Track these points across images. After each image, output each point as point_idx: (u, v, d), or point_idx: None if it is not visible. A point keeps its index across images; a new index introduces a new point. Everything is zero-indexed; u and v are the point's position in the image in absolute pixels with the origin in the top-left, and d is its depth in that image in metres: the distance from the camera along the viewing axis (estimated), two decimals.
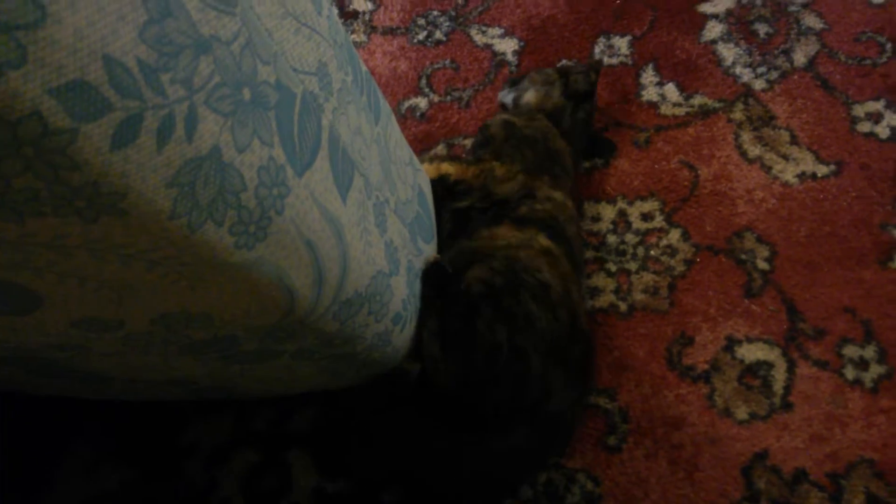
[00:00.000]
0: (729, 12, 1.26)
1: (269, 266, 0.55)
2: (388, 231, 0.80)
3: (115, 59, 0.38)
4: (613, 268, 1.06)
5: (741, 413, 0.92)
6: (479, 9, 1.41)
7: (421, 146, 1.25)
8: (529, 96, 1.13)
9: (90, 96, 0.37)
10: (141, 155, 0.41)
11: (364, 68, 0.80)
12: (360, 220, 0.70)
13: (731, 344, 0.97)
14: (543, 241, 0.93)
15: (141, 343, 0.65)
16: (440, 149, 1.24)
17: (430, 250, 0.98)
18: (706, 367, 0.96)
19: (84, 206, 0.42)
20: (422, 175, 1.02)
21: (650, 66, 1.23)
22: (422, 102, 1.31)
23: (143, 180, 0.42)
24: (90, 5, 0.36)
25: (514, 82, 1.20)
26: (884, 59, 1.16)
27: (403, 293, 0.83)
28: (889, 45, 1.17)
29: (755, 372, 0.94)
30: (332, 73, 0.66)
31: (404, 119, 1.29)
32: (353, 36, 1.43)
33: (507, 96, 1.19)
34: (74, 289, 0.51)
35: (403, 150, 0.93)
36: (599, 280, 1.05)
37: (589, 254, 1.08)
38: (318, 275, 0.62)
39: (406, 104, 1.31)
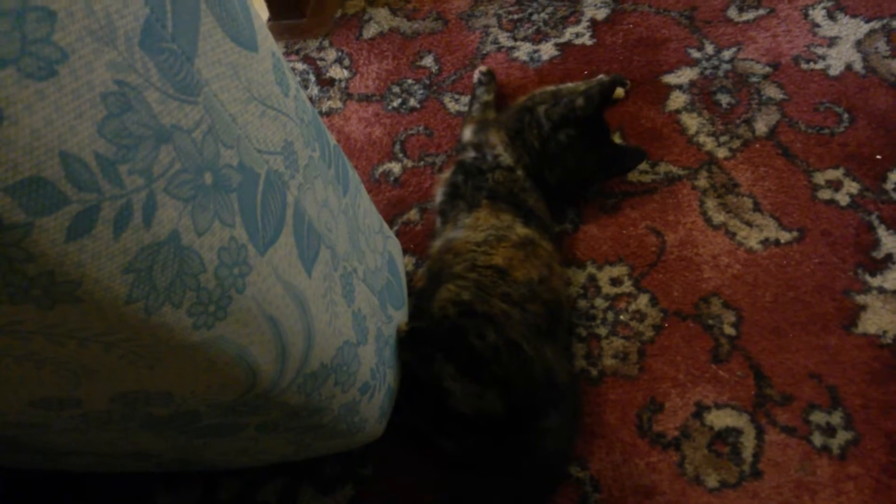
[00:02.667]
0: (692, 83, 1.30)
1: (229, 344, 0.56)
2: (356, 300, 0.80)
3: (71, 154, 0.39)
4: (584, 332, 1.07)
5: (711, 481, 0.92)
6: (453, 77, 1.45)
7: (394, 211, 1.27)
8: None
9: (46, 191, 0.38)
10: (97, 244, 0.42)
11: (333, 142, 0.82)
12: (326, 291, 0.71)
13: (700, 410, 0.97)
14: (520, 229, 1.04)
15: (100, 420, 0.64)
16: (412, 213, 1.26)
17: (400, 316, 0.99)
18: (676, 433, 0.96)
19: (40, 295, 0.42)
20: (392, 242, 1.03)
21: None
22: (395, 167, 1.33)
23: (99, 268, 0.43)
24: (48, 106, 0.37)
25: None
26: (841, 129, 1.20)
27: (372, 362, 0.83)
28: (846, 115, 1.21)
29: (724, 439, 0.95)
30: (299, 151, 0.67)
31: (378, 184, 1.31)
32: (329, 102, 1.46)
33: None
34: (31, 371, 0.51)
35: (373, 219, 0.94)
36: (574, 367, 1.05)
37: None
38: (281, 349, 0.62)
39: (380, 169, 1.33)
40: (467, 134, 1.23)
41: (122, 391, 0.58)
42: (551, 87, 1.29)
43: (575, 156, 1.15)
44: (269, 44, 0.64)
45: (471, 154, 1.17)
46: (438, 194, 1.17)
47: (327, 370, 0.71)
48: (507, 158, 1.14)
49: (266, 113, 0.61)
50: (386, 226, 1.02)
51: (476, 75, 1.38)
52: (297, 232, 0.65)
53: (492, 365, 0.91)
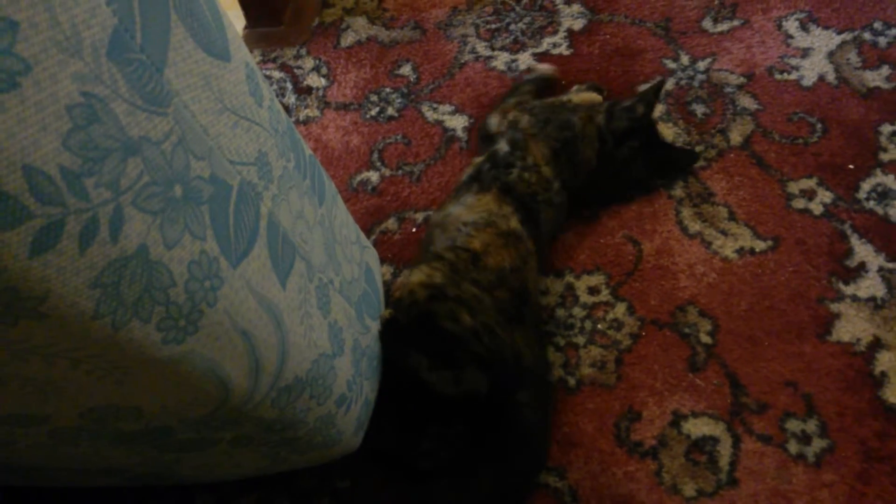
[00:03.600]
0: (668, 93, 1.31)
1: (200, 358, 0.55)
2: (333, 312, 0.80)
3: (35, 168, 0.38)
4: (562, 342, 1.07)
5: (689, 490, 0.92)
6: (431, 86, 1.45)
7: (372, 220, 1.26)
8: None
9: (8, 206, 0.37)
10: (62, 259, 0.41)
11: (308, 152, 0.81)
12: (301, 303, 0.70)
13: (677, 419, 0.97)
14: (514, 223, 1.06)
15: (69, 436, 0.63)
16: (390, 222, 1.25)
17: (377, 327, 0.98)
18: (654, 442, 0.96)
19: (2, 311, 0.41)
20: (369, 252, 1.03)
21: None
22: (373, 176, 1.33)
23: (65, 283, 0.42)
24: (10, 118, 0.36)
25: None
26: (815, 139, 1.22)
27: (348, 374, 0.83)
28: (819, 125, 1.23)
29: (701, 447, 0.95)
30: (273, 161, 0.67)
31: (356, 193, 1.31)
32: (307, 111, 1.45)
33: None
34: None
35: (350, 229, 0.94)
36: (548, 354, 1.05)
37: None
38: (254, 363, 0.61)
39: (358, 178, 1.33)
40: (494, 122, 1.23)
41: (91, 406, 0.57)
42: (559, 99, 1.26)
43: (640, 165, 1.17)
44: (242, 54, 0.63)
45: (505, 148, 1.15)
46: (464, 175, 1.18)
47: (302, 383, 0.70)
48: (547, 171, 1.13)
49: (239, 123, 0.60)
50: (363, 236, 1.02)
51: (541, 68, 1.38)
52: (272, 244, 0.64)
53: (469, 345, 0.94)
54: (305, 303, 0.71)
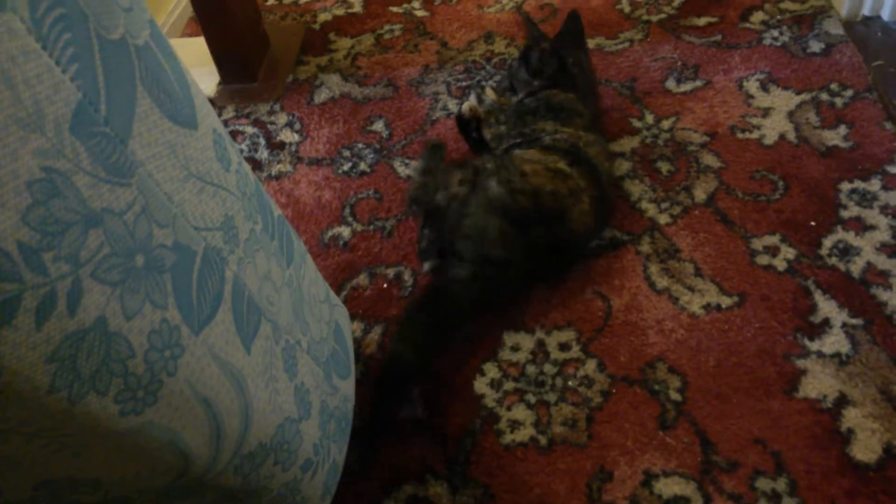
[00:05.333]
0: (633, 151, 1.34)
1: (159, 429, 0.54)
2: (300, 374, 0.79)
3: None
4: (533, 399, 1.06)
5: None
6: (403, 142, 1.47)
7: (343, 275, 1.26)
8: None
9: None
10: (17, 334, 0.40)
11: (277, 212, 0.81)
12: (266, 367, 0.70)
13: (648, 478, 0.97)
14: (561, 165, 1.16)
15: None
16: (362, 278, 1.25)
17: (347, 386, 0.97)
18: (626, 503, 0.95)
19: None
20: (339, 310, 1.02)
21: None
22: (345, 231, 1.33)
23: (20, 359, 0.41)
24: None
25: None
26: (777, 196, 1.25)
27: (315, 437, 0.81)
28: (781, 183, 1.26)
29: None
30: (239, 225, 0.67)
31: (327, 248, 1.31)
32: (279, 166, 1.46)
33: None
34: None
35: (319, 288, 0.94)
36: (519, 413, 1.05)
37: (508, 385, 1.08)
38: (215, 431, 0.60)
39: (329, 233, 1.33)
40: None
41: (46, 479, 0.55)
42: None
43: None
44: (210, 120, 0.64)
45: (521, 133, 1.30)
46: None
47: (266, 449, 0.69)
48: (568, 130, 1.28)
49: (205, 189, 0.60)
50: (332, 294, 1.01)
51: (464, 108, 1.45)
52: (236, 308, 0.64)
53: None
54: (271, 366, 0.70)
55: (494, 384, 1.08)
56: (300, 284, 0.84)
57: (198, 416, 0.57)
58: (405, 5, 1.82)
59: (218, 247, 0.61)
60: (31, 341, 0.41)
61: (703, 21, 1.61)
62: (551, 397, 1.06)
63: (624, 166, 1.33)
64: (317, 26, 1.81)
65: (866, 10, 1.53)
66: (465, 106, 1.35)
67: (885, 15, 1.52)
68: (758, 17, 1.60)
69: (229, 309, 0.62)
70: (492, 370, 1.10)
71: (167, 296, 0.52)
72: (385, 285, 1.24)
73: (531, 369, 1.10)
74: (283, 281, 0.77)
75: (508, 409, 1.06)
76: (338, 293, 1.23)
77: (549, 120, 1.26)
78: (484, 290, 1.12)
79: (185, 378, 0.55)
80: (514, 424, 1.04)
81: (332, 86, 1.62)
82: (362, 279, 1.25)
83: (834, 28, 1.53)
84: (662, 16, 1.65)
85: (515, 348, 1.12)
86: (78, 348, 0.44)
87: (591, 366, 1.09)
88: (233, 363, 0.62)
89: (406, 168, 1.41)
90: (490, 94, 1.41)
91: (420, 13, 1.79)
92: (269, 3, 1.92)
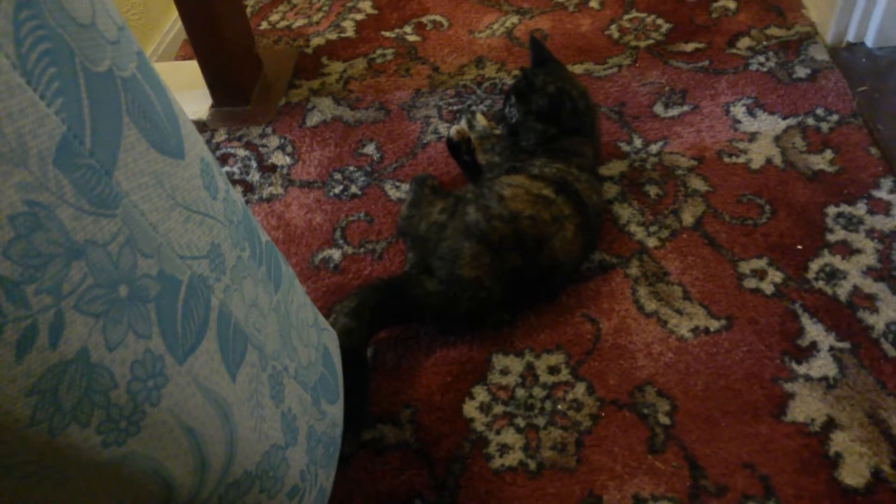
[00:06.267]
0: (622, 174, 1.35)
1: (142, 459, 0.54)
2: (286, 400, 0.79)
3: None
4: (522, 423, 1.06)
5: None
6: (394, 165, 1.47)
7: (333, 298, 1.26)
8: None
9: None
10: None
11: (265, 238, 0.82)
12: (252, 394, 0.69)
13: (637, 503, 0.97)
14: (546, 192, 1.17)
15: None
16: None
17: (335, 411, 0.97)
18: None
19: None
20: (328, 334, 1.02)
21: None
22: (336, 254, 1.33)
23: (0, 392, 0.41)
24: None
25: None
26: (764, 220, 1.26)
27: (302, 463, 0.81)
28: (767, 207, 1.28)
29: None
30: (226, 253, 0.67)
31: (317, 271, 1.31)
32: (270, 188, 1.47)
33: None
34: None
35: (307, 313, 0.94)
36: (508, 436, 1.05)
37: (498, 408, 1.08)
38: (199, 460, 0.60)
39: (320, 256, 1.33)
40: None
41: None
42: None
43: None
44: (197, 149, 0.64)
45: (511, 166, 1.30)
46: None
47: (251, 477, 0.69)
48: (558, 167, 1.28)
49: (191, 218, 0.60)
50: (321, 318, 1.01)
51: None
52: (222, 336, 0.64)
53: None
54: (257, 393, 0.70)
55: (484, 408, 1.08)
56: (288, 310, 0.84)
57: (182, 446, 0.57)
58: (397, 30, 1.84)
59: (204, 275, 0.62)
60: (10, 374, 0.41)
61: (690, 47, 1.63)
62: (540, 421, 1.06)
63: (613, 190, 1.34)
64: (310, 50, 1.83)
65: (850, 37, 1.56)
66: (454, 130, 1.36)
67: (869, 41, 1.55)
68: (744, 42, 1.62)
69: (215, 337, 0.62)
70: (481, 393, 1.10)
71: (151, 325, 0.52)
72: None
73: (520, 392, 1.10)
74: (270, 307, 0.78)
75: (497, 432, 1.05)
76: (328, 316, 1.23)
77: (543, 157, 1.26)
78: (448, 306, 1.14)
79: (168, 408, 0.55)
80: (504, 448, 1.04)
81: (324, 109, 1.63)
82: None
83: (819, 54, 1.56)
84: (650, 41, 1.67)
85: (505, 371, 1.13)
86: (59, 380, 0.44)
87: (580, 389, 1.09)
88: (218, 391, 0.62)
89: (397, 191, 1.42)
90: (481, 120, 1.42)
91: (412, 38, 1.81)
92: (262, 28, 1.94)
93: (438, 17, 1.86)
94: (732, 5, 1.73)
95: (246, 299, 0.71)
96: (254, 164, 1.53)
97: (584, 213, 1.17)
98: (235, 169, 1.52)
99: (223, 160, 1.55)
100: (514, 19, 1.81)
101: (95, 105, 0.48)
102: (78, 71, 0.47)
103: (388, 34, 1.84)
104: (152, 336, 0.53)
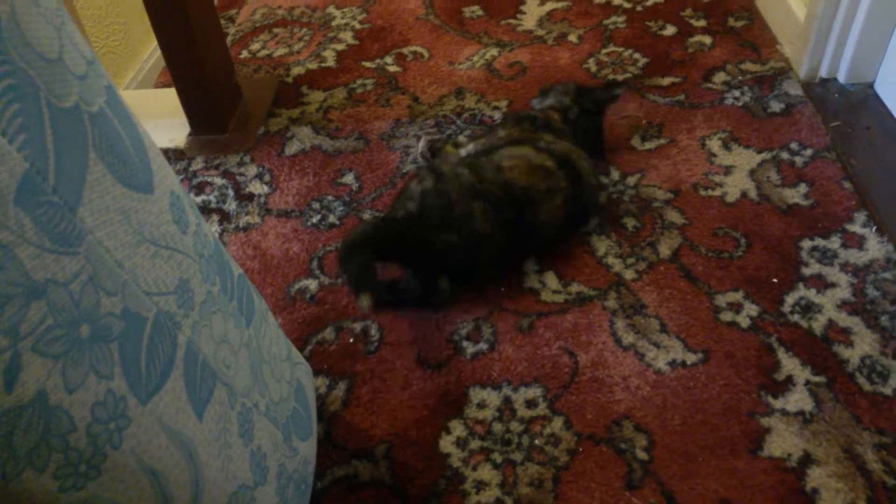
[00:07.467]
0: (600, 206, 1.36)
1: (102, 503, 0.52)
2: (256, 438, 0.77)
3: None
4: (499, 458, 1.05)
5: None
6: (373, 195, 1.47)
7: (309, 329, 1.25)
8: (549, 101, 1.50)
9: None
10: None
11: (238, 271, 0.80)
12: (219, 434, 0.68)
13: None
14: (549, 163, 1.26)
15: None
16: (328, 332, 1.24)
17: (307, 448, 0.95)
18: None
19: None
20: (302, 368, 1.01)
21: (531, 254, 1.30)
22: (312, 285, 1.32)
23: None
24: None
25: (542, 93, 1.53)
26: (739, 253, 1.27)
27: (272, 503, 0.79)
28: (743, 240, 1.29)
29: None
30: (195, 288, 0.66)
31: (293, 301, 1.29)
32: (247, 217, 1.46)
33: (537, 104, 1.52)
34: None
35: (280, 346, 0.92)
36: (485, 472, 1.03)
37: (475, 443, 1.07)
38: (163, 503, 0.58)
39: (296, 286, 1.32)
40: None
41: None
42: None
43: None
44: (168, 182, 0.63)
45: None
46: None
47: None
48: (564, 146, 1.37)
49: (159, 253, 0.59)
50: (295, 351, 1.00)
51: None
52: (189, 374, 0.62)
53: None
54: (225, 432, 0.69)
55: (460, 443, 1.07)
56: (260, 344, 0.83)
57: (144, 489, 0.55)
58: (378, 60, 1.85)
59: (171, 311, 0.60)
60: None
61: (667, 81, 1.66)
62: (517, 456, 1.05)
63: (590, 222, 1.34)
64: (290, 79, 1.83)
65: (823, 73, 1.59)
66: (421, 149, 1.45)
67: (842, 77, 1.58)
68: (720, 77, 1.65)
69: (181, 375, 0.61)
70: (458, 427, 1.09)
71: (113, 366, 0.51)
72: (351, 340, 1.23)
73: (497, 427, 1.09)
74: (241, 342, 0.76)
75: (474, 468, 1.04)
76: (303, 348, 1.22)
77: (550, 133, 1.36)
78: (469, 259, 1.23)
79: (130, 450, 0.53)
80: (480, 485, 1.02)
81: (303, 138, 1.63)
82: (328, 333, 1.24)
83: (793, 89, 1.58)
84: (628, 75, 1.69)
85: (482, 405, 1.11)
86: (14, 425, 0.43)
87: (557, 423, 1.08)
88: (183, 432, 0.60)
89: None
90: (463, 141, 1.45)
91: (392, 68, 1.82)
92: (243, 56, 1.94)
93: (419, 49, 1.88)
94: (708, 41, 1.76)
95: (215, 335, 0.69)
96: (231, 192, 1.52)
97: (577, 187, 1.27)
98: (212, 197, 1.51)
99: (200, 188, 1.53)
100: (494, 52, 1.83)
101: (60, 141, 0.48)
102: (43, 107, 0.46)
103: (368, 64, 1.84)
104: (114, 376, 0.51)
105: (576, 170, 1.28)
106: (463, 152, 1.35)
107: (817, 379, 1.08)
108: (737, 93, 1.59)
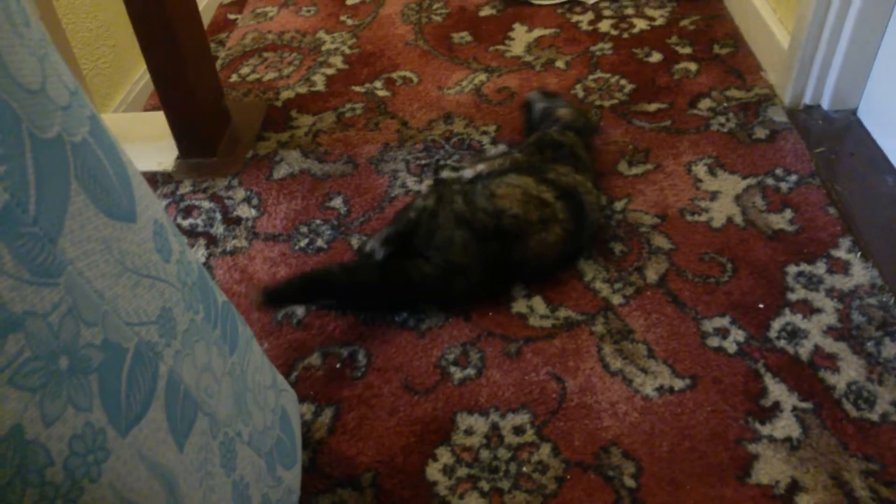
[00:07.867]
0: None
1: None
2: (239, 467, 0.76)
3: None
4: (486, 486, 1.04)
5: None
6: (361, 219, 1.47)
7: (295, 354, 1.24)
8: (563, 112, 1.51)
9: None
10: None
11: (222, 299, 0.80)
12: (201, 464, 0.67)
13: None
14: (547, 196, 1.27)
15: None
16: (314, 357, 1.23)
17: (291, 477, 0.94)
18: None
19: None
20: (287, 395, 1.00)
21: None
22: (299, 309, 1.31)
23: None
24: None
25: (547, 95, 1.58)
26: (725, 278, 1.27)
27: None
28: (729, 265, 1.29)
29: None
30: (178, 316, 0.65)
31: (280, 326, 1.29)
32: (234, 241, 1.45)
33: (538, 101, 1.56)
34: None
35: (265, 374, 0.91)
36: (472, 501, 1.02)
37: (462, 471, 1.06)
38: None
39: (282, 311, 1.31)
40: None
41: None
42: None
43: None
44: (151, 211, 0.63)
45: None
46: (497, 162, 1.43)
47: None
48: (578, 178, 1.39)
49: (141, 283, 0.59)
50: (280, 378, 0.99)
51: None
52: (170, 404, 0.62)
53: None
54: (207, 462, 0.68)
55: (447, 470, 1.06)
56: (244, 372, 0.82)
57: None
58: (367, 85, 1.86)
59: (152, 341, 0.60)
60: None
61: (653, 107, 1.67)
62: (505, 484, 1.04)
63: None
64: (279, 103, 1.83)
65: (807, 100, 1.61)
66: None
67: (825, 104, 1.60)
68: (705, 104, 1.67)
69: (162, 406, 0.60)
70: (445, 455, 1.08)
71: (92, 398, 0.50)
72: (338, 365, 1.22)
73: (485, 454, 1.08)
74: (224, 370, 0.76)
75: (461, 497, 1.03)
76: (289, 373, 1.21)
77: (567, 165, 1.37)
78: (442, 289, 1.25)
79: (109, 483, 0.52)
80: None
81: (291, 162, 1.63)
82: (314, 359, 1.23)
83: (778, 116, 1.60)
84: (614, 101, 1.71)
85: (469, 431, 1.11)
86: None
87: (545, 450, 1.07)
88: (163, 463, 0.59)
89: (364, 245, 1.41)
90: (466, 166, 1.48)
91: (382, 93, 1.83)
92: (232, 80, 1.95)
93: (408, 73, 1.89)
94: (693, 67, 1.79)
95: (198, 364, 0.69)
96: (218, 216, 1.51)
97: (578, 222, 1.27)
98: (199, 221, 1.51)
99: (187, 212, 1.53)
100: (483, 77, 1.84)
101: (42, 171, 0.47)
102: (24, 138, 0.46)
103: (358, 89, 1.85)
104: (93, 409, 0.50)
105: (581, 204, 1.28)
106: (470, 173, 1.38)
107: (804, 405, 1.09)
108: (722, 119, 1.61)
